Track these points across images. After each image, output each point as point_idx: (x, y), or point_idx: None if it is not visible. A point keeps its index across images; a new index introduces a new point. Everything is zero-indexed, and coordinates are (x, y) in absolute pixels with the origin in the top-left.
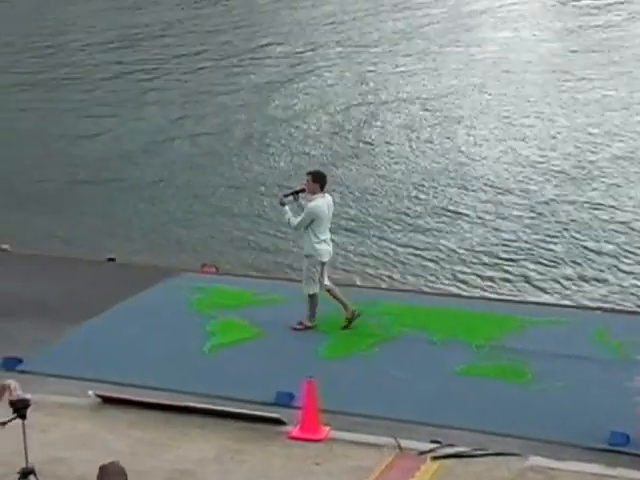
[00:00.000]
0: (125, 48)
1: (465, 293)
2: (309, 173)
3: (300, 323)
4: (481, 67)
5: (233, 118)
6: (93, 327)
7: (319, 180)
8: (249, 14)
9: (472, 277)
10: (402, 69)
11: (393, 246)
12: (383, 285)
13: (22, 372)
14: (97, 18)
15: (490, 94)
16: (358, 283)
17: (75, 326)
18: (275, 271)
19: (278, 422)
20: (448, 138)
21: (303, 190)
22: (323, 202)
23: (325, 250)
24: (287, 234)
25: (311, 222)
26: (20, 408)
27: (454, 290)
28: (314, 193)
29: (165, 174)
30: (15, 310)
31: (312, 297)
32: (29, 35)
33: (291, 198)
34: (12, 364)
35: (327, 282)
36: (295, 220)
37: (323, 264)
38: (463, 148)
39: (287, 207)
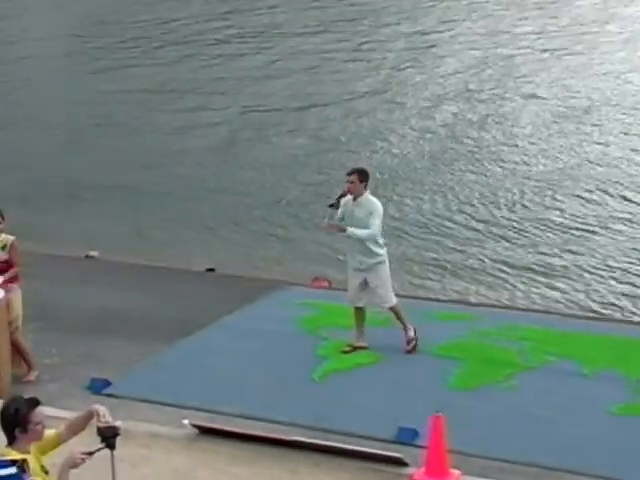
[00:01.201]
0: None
1: (619, 316)
2: (354, 172)
3: (409, 342)
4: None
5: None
6: (190, 346)
7: (366, 179)
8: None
9: (620, 298)
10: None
11: (511, 260)
12: (520, 304)
13: (110, 396)
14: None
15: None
16: (478, 301)
17: (170, 345)
18: (396, 287)
19: (399, 463)
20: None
21: (345, 194)
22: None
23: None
24: (409, 247)
25: None
26: (109, 437)
27: (601, 312)
28: (360, 194)
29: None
30: (104, 325)
31: (396, 306)
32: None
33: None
34: (99, 386)
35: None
36: (373, 227)
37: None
38: (589, 149)
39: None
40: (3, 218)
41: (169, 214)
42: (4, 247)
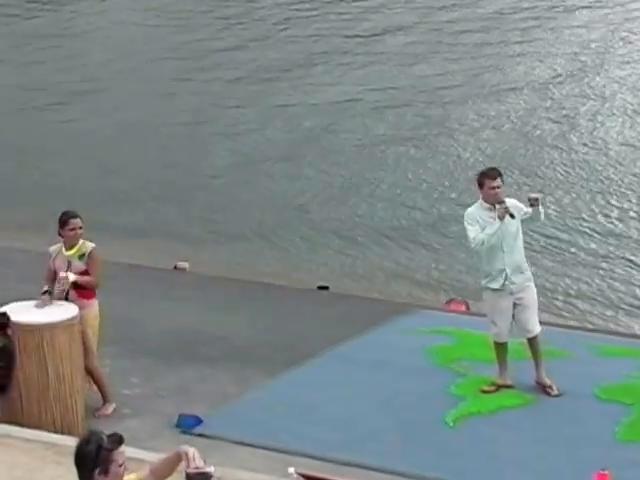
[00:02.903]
0: None
1: None
2: (500, 175)
3: (549, 388)
4: None
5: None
6: (297, 379)
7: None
8: None
9: None
10: None
11: None
12: None
13: (202, 436)
14: None
15: None
16: None
17: (273, 377)
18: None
19: None
20: None
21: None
22: None
23: None
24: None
25: None
26: None
27: None
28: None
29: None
30: (195, 351)
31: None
32: None
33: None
34: (190, 424)
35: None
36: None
37: None
38: None
39: None
40: (83, 222)
41: (275, 220)
42: (82, 256)
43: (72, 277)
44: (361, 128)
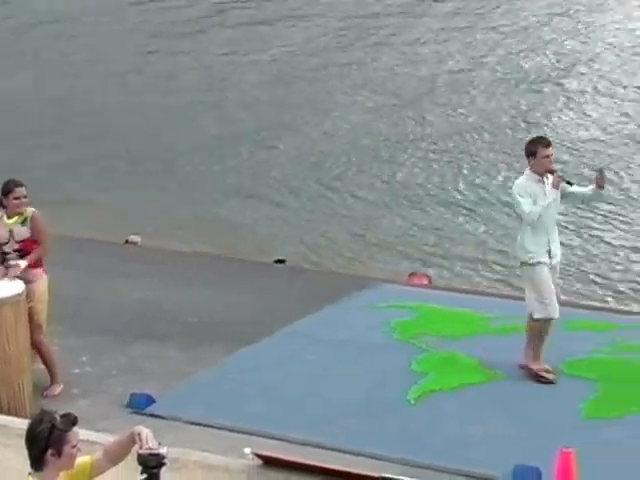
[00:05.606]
0: None
1: None
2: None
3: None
4: None
5: None
6: (254, 357)
7: None
8: None
9: None
10: None
11: None
12: None
13: (155, 416)
14: None
15: None
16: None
17: (229, 354)
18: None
19: None
20: None
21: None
22: None
23: None
24: None
25: None
26: (152, 467)
27: None
28: None
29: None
30: (148, 328)
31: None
32: None
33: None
34: (142, 403)
35: None
36: None
37: None
38: None
39: None
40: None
41: (230, 191)
42: (24, 221)
43: (23, 264)
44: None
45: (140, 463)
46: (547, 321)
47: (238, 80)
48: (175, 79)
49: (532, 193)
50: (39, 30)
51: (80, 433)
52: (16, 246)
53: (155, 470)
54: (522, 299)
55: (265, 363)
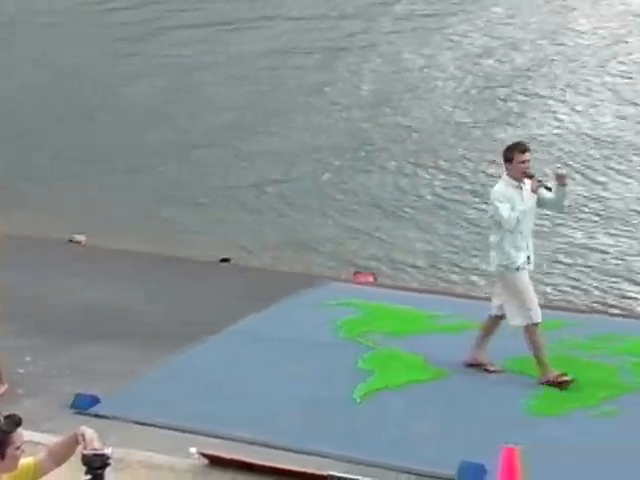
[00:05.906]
0: None
1: None
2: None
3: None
4: None
5: None
6: (199, 355)
7: None
8: None
9: None
10: None
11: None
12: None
13: (99, 416)
14: None
15: None
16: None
17: (175, 353)
18: (465, 285)
19: None
20: None
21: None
22: None
23: None
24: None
25: None
26: (96, 467)
27: None
28: None
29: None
30: (92, 328)
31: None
32: None
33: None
34: (85, 404)
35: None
36: None
37: None
38: None
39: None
40: None
41: (173, 190)
42: None
43: None
44: None
45: (84, 464)
46: (537, 324)
47: (190, 82)
48: (125, 80)
49: (510, 198)
50: None
51: (24, 434)
52: None
53: (99, 471)
54: (469, 297)
55: (211, 362)
